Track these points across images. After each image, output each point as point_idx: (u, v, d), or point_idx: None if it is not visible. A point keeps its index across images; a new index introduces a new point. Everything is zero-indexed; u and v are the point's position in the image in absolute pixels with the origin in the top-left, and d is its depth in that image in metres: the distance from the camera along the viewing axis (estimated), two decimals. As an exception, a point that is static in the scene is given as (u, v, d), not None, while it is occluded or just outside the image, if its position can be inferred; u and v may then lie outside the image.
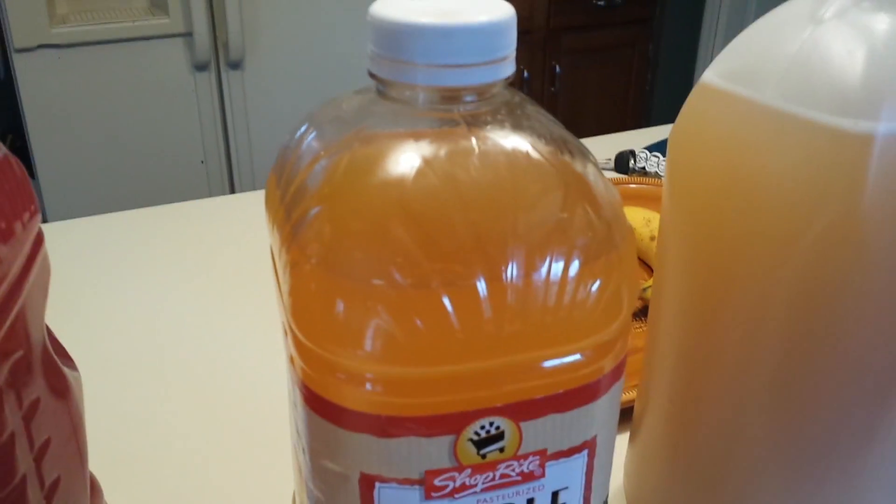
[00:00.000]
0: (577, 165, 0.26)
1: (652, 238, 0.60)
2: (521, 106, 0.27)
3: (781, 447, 0.34)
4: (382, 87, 0.26)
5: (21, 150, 1.66)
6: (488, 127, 0.25)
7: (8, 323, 0.26)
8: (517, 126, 0.26)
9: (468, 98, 0.25)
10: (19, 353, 0.27)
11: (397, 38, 0.24)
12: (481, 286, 0.23)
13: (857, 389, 0.32)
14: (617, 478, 0.42)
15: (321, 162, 0.26)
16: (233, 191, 1.72)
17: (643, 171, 0.80)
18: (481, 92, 0.25)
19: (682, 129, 0.35)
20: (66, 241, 0.68)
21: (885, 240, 0.29)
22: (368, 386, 0.24)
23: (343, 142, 0.26)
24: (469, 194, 0.24)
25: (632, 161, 0.82)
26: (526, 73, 2.26)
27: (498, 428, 0.25)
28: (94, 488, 0.35)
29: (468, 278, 0.23)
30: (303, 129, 0.30)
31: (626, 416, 0.42)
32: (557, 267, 0.24)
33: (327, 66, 1.70)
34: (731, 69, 0.33)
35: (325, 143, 0.27)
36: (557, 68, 2.31)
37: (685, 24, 2.43)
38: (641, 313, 0.56)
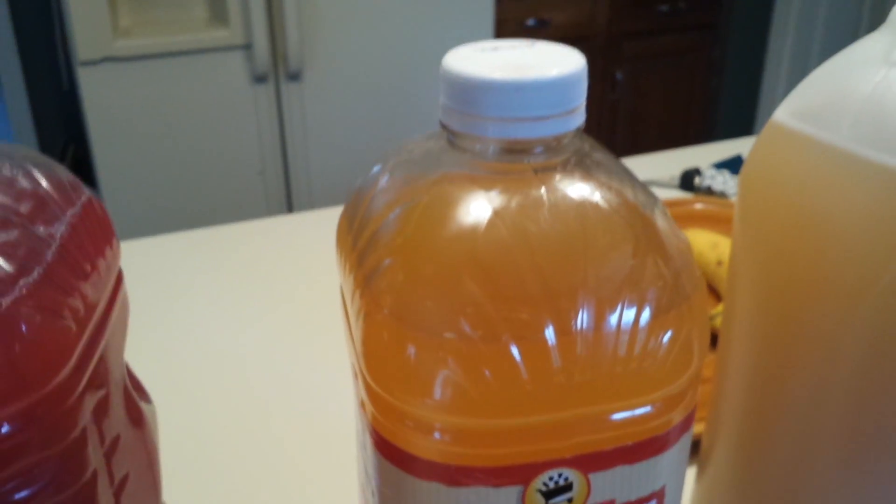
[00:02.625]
0: (646, 214, 0.26)
1: (719, 263, 0.60)
2: (590, 154, 0.27)
3: (850, 492, 0.34)
4: (453, 138, 0.26)
5: (82, 160, 1.71)
6: (558, 178, 0.26)
7: (94, 362, 0.27)
8: (586, 175, 0.26)
9: (538, 150, 0.26)
10: (102, 392, 0.28)
11: (468, 91, 0.25)
12: (550, 338, 0.24)
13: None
14: (682, 513, 0.42)
15: (394, 211, 0.27)
16: (289, 201, 1.74)
17: (709, 190, 0.80)
18: (551, 143, 0.26)
19: (753, 169, 0.34)
20: (125, 263, 0.70)
21: (961, 288, 0.29)
22: (437, 435, 0.25)
23: (415, 191, 0.27)
24: (539, 246, 0.24)
25: (697, 179, 0.81)
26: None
27: (566, 479, 0.25)
28: (169, 516, 0.36)
29: (537, 331, 0.23)
30: (375, 171, 0.31)
31: (694, 449, 0.41)
32: (627, 318, 0.24)
33: (386, 79, 1.71)
34: (803, 109, 0.33)
35: (398, 190, 0.28)
36: (618, 75, 2.30)
37: (752, 28, 2.39)
38: (710, 341, 0.56)
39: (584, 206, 0.25)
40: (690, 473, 0.42)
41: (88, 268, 0.28)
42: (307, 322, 0.60)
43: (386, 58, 1.70)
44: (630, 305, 0.24)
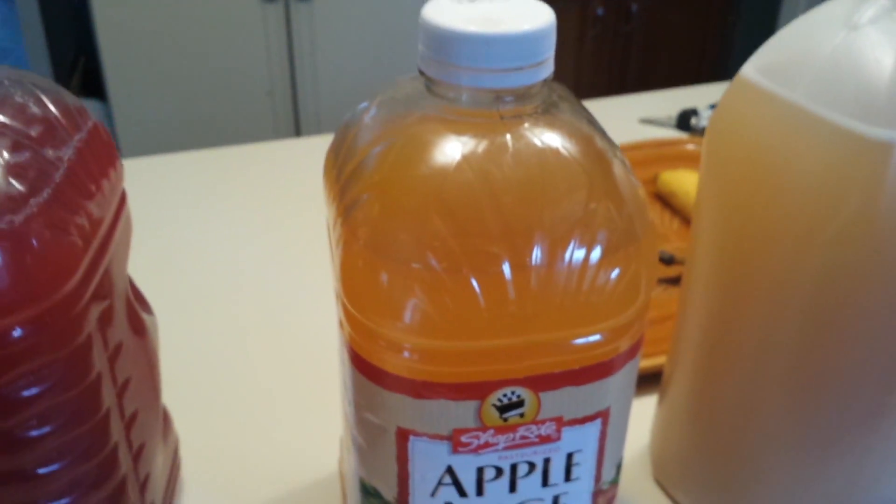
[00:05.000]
0: (605, 162, 0.28)
1: (701, 203, 0.62)
2: (557, 104, 0.29)
3: (794, 422, 0.37)
4: (430, 84, 0.29)
5: (93, 71, 1.72)
6: (525, 125, 0.28)
7: (98, 275, 0.30)
8: (551, 124, 0.28)
9: (507, 98, 0.28)
10: (107, 303, 0.31)
11: (444, 42, 0.27)
12: (506, 272, 0.26)
13: (867, 375, 0.34)
14: (644, 438, 0.45)
15: (374, 149, 0.29)
16: (297, 121, 1.75)
17: (704, 130, 0.81)
18: (519, 93, 0.28)
19: (720, 119, 0.36)
20: (134, 181, 0.72)
21: (898, 238, 0.31)
22: (406, 354, 0.27)
23: (393, 131, 0.29)
24: (500, 189, 0.27)
25: (693, 119, 0.82)
26: (600, 10, 2.22)
27: (519, 396, 0.28)
28: (166, 418, 0.40)
29: (495, 265, 0.26)
30: (361, 107, 0.33)
31: (658, 379, 0.44)
32: (578, 256, 0.27)
33: (396, 2, 1.70)
34: (768, 65, 0.34)
35: (379, 129, 0.30)
36: (633, 7, 2.27)
37: (771, -36, 2.35)
38: (677, 280, 0.58)
39: (545, 153, 0.28)
40: (650, 403, 0.45)
41: (93, 188, 0.30)
42: (304, 243, 0.63)
43: (397, -20, 1.69)
44: (581, 245, 0.27)
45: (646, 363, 0.47)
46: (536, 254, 0.26)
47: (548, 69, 0.28)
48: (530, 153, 0.27)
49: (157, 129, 1.67)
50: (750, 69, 0.35)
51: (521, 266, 0.26)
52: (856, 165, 0.31)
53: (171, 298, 0.57)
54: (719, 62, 2.44)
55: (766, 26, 2.35)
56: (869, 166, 0.30)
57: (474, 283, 0.26)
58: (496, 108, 0.28)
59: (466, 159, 0.27)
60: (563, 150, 0.28)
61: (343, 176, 0.30)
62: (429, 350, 0.27)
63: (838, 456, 0.37)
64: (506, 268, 0.26)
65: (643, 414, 0.45)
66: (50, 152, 0.29)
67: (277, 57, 1.68)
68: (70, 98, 0.32)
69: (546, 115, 0.28)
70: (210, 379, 0.50)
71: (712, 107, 0.84)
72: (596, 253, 0.27)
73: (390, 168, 0.28)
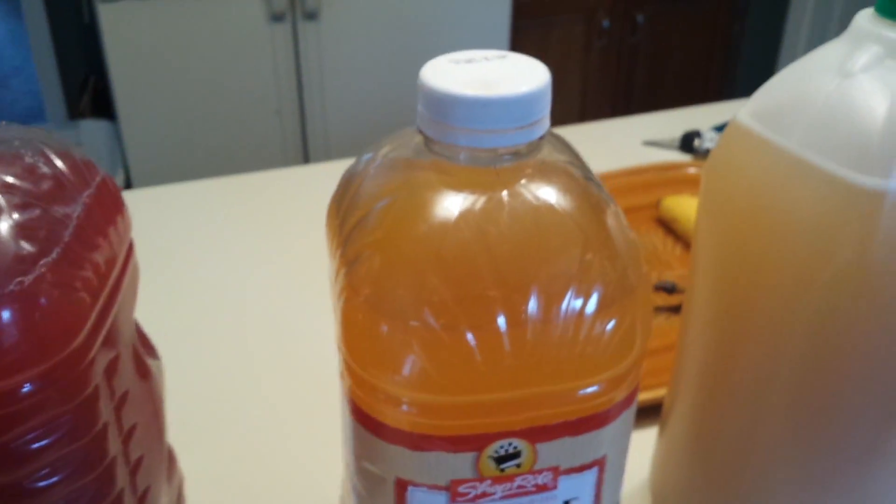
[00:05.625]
0: (599, 215, 0.29)
1: (702, 231, 0.62)
2: (553, 157, 0.30)
3: (793, 458, 0.37)
4: (429, 142, 0.29)
5: (103, 91, 1.74)
6: (522, 182, 0.28)
7: (106, 328, 0.31)
8: (547, 179, 0.29)
9: (505, 157, 0.28)
10: (114, 353, 0.32)
11: (442, 104, 0.28)
12: (503, 327, 0.27)
13: (864, 414, 0.35)
14: (644, 470, 0.46)
15: (376, 205, 0.30)
16: (305, 140, 1.76)
17: (707, 152, 0.82)
18: (517, 151, 0.28)
19: (716, 162, 0.37)
20: (141, 211, 0.73)
21: (890, 285, 0.32)
22: (404, 407, 0.28)
23: (395, 188, 0.30)
24: (496, 246, 0.27)
25: (697, 141, 0.83)
26: (606, 22, 2.23)
27: (515, 448, 0.29)
28: (171, 458, 0.40)
29: (491, 321, 0.27)
30: (365, 158, 0.33)
31: (658, 411, 0.45)
32: (574, 310, 0.27)
33: (404, 19, 1.72)
34: (763, 111, 0.35)
35: (381, 184, 0.31)
36: (639, 18, 2.28)
37: (776, -26, 2.35)
38: (679, 309, 0.59)
39: (540, 209, 0.28)
40: (651, 435, 0.46)
41: (101, 241, 0.31)
42: (313, 274, 0.64)
43: (403, -1, 1.70)
44: (576, 298, 0.27)
45: (646, 395, 0.48)
46: (532, 309, 0.27)
47: (543, 127, 0.29)
48: (526, 210, 0.28)
49: (165, 148, 1.69)
50: (745, 114, 0.36)
51: (517, 322, 0.27)
52: (848, 213, 0.31)
53: (177, 331, 0.57)
54: (727, 72, 2.44)
55: (771, 34, 2.36)
56: (861, 215, 0.31)
57: (471, 339, 0.27)
58: (493, 166, 0.28)
59: (464, 217, 0.27)
60: (557, 206, 0.28)
61: (346, 228, 0.31)
62: (427, 404, 0.28)
63: (837, 492, 0.37)
64: (502, 323, 0.27)
65: (643, 446, 0.46)
66: (59, 210, 0.30)
67: (285, 75, 1.69)
68: (78, 153, 0.33)
69: (542, 170, 0.29)
70: (215, 414, 0.51)
71: (715, 128, 0.85)
72: (591, 306, 0.27)
73: (391, 225, 0.29)
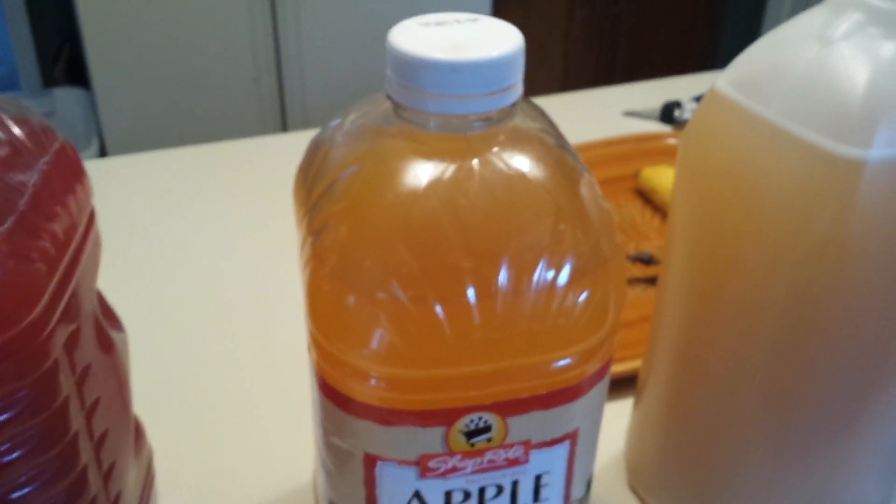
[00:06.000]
0: (572, 185, 0.28)
1: (681, 202, 0.62)
2: (526, 125, 0.29)
3: (767, 431, 0.37)
4: (398, 108, 0.28)
5: (77, 59, 1.71)
6: (493, 150, 0.28)
7: (65, 300, 0.30)
8: (519, 147, 0.28)
9: (476, 123, 0.28)
10: (74, 326, 0.31)
11: (411, 68, 0.27)
12: (471, 300, 0.26)
13: (838, 388, 0.35)
14: (619, 443, 0.46)
15: (342, 173, 0.29)
16: (283, 108, 1.74)
17: (687, 123, 0.81)
18: (488, 117, 0.28)
19: (693, 131, 0.36)
20: (116, 179, 0.72)
21: (868, 258, 0.31)
22: (372, 382, 0.27)
23: (362, 155, 0.29)
24: (467, 216, 0.27)
25: (677, 111, 0.82)
26: (589, -8, 2.21)
27: (486, 422, 0.28)
28: (138, 432, 0.39)
29: (460, 293, 0.26)
30: (333, 124, 0.33)
31: (633, 383, 0.44)
32: (543, 282, 0.27)
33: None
34: (742, 79, 0.34)
35: (347, 152, 0.30)
36: (622, -12, 2.26)
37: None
38: (655, 280, 0.58)
39: (511, 178, 0.27)
40: (626, 407, 0.45)
41: (59, 210, 0.30)
42: (285, 246, 0.63)
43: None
44: (548, 270, 0.26)
45: (621, 367, 0.48)
46: (503, 281, 0.26)
47: (516, 93, 0.28)
48: (497, 179, 0.27)
49: (141, 116, 1.66)
50: (724, 82, 0.35)
51: (487, 294, 0.26)
52: (827, 184, 0.31)
53: (146, 302, 0.56)
54: (710, 42, 2.43)
55: (754, 4, 2.34)
56: (840, 185, 0.30)
57: (440, 311, 0.26)
58: (463, 133, 0.28)
59: (433, 186, 0.27)
60: (530, 175, 0.28)
61: (312, 197, 0.30)
62: (395, 378, 0.27)
63: (810, 464, 0.37)
64: (471, 295, 0.26)
65: (618, 419, 0.45)
66: (14, 178, 0.28)
67: (263, 43, 1.67)
68: (35, 119, 0.32)
69: (514, 137, 0.28)
70: (184, 386, 0.50)
71: (696, 99, 0.84)
72: (563, 277, 0.27)
73: (358, 194, 0.28)
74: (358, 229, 0.27)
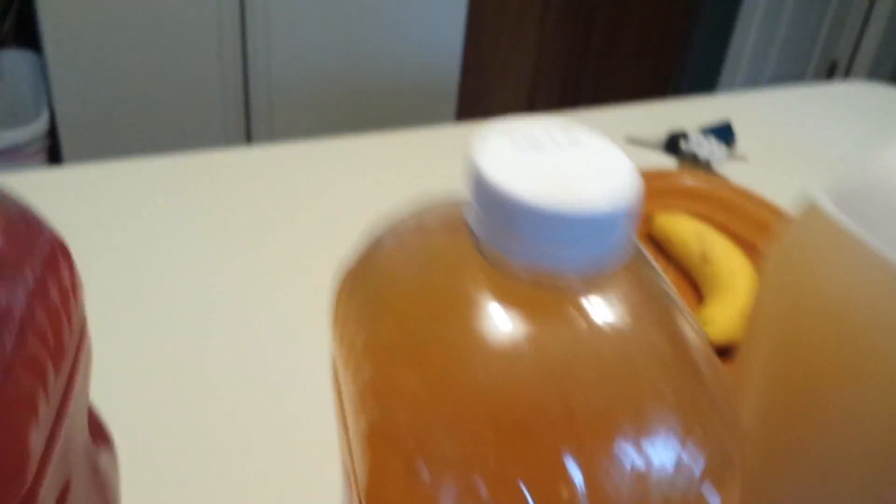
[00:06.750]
0: (692, 357, 0.23)
1: (704, 258, 0.58)
2: (637, 275, 0.24)
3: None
4: (481, 245, 0.23)
5: (28, 17, 1.60)
6: (597, 308, 0.23)
7: (56, 453, 0.24)
8: (628, 305, 0.23)
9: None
10: (63, 481, 0.25)
11: (509, 212, 0.21)
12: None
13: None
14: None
15: (408, 312, 0.24)
16: (246, 86, 1.66)
17: (694, 157, 0.77)
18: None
19: (786, 248, 0.32)
20: (77, 189, 0.66)
21: None
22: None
23: (432, 296, 0.24)
24: (573, 391, 0.22)
25: (683, 143, 0.78)
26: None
27: None
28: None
29: (569, 490, 0.21)
30: (384, 233, 0.27)
31: None
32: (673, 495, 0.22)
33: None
34: (845, 197, 0.30)
35: (413, 284, 0.25)
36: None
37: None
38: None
39: (625, 344, 0.22)
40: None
41: (51, 341, 0.24)
42: (259, 266, 0.57)
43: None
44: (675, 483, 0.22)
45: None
46: (615, 484, 0.21)
47: (632, 239, 0.23)
48: (609, 344, 0.22)
49: (95, 86, 1.56)
50: (824, 197, 0.31)
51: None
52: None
53: (111, 323, 0.51)
54: (684, 33, 2.40)
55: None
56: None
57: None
58: (565, 285, 0.23)
59: (533, 355, 0.22)
60: (647, 345, 0.23)
61: (364, 331, 0.25)
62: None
63: None
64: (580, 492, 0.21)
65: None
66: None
67: (229, 18, 1.58)
68: (15, 206, 0.26)
69: (621, 292, 0.23)
70: (154, 409, 0.45)
71: (704, 131, 0.80)
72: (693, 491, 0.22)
73: (434, 350, 0.23)
74: (440, 399, 0.22)
